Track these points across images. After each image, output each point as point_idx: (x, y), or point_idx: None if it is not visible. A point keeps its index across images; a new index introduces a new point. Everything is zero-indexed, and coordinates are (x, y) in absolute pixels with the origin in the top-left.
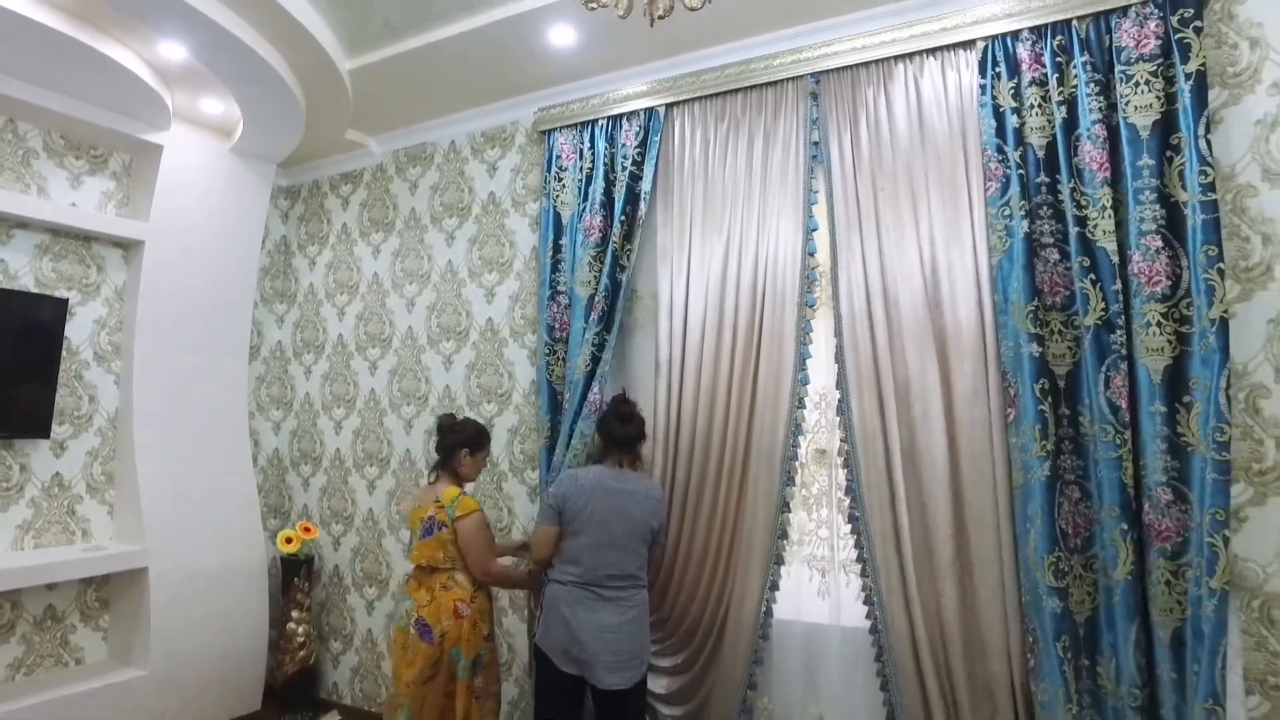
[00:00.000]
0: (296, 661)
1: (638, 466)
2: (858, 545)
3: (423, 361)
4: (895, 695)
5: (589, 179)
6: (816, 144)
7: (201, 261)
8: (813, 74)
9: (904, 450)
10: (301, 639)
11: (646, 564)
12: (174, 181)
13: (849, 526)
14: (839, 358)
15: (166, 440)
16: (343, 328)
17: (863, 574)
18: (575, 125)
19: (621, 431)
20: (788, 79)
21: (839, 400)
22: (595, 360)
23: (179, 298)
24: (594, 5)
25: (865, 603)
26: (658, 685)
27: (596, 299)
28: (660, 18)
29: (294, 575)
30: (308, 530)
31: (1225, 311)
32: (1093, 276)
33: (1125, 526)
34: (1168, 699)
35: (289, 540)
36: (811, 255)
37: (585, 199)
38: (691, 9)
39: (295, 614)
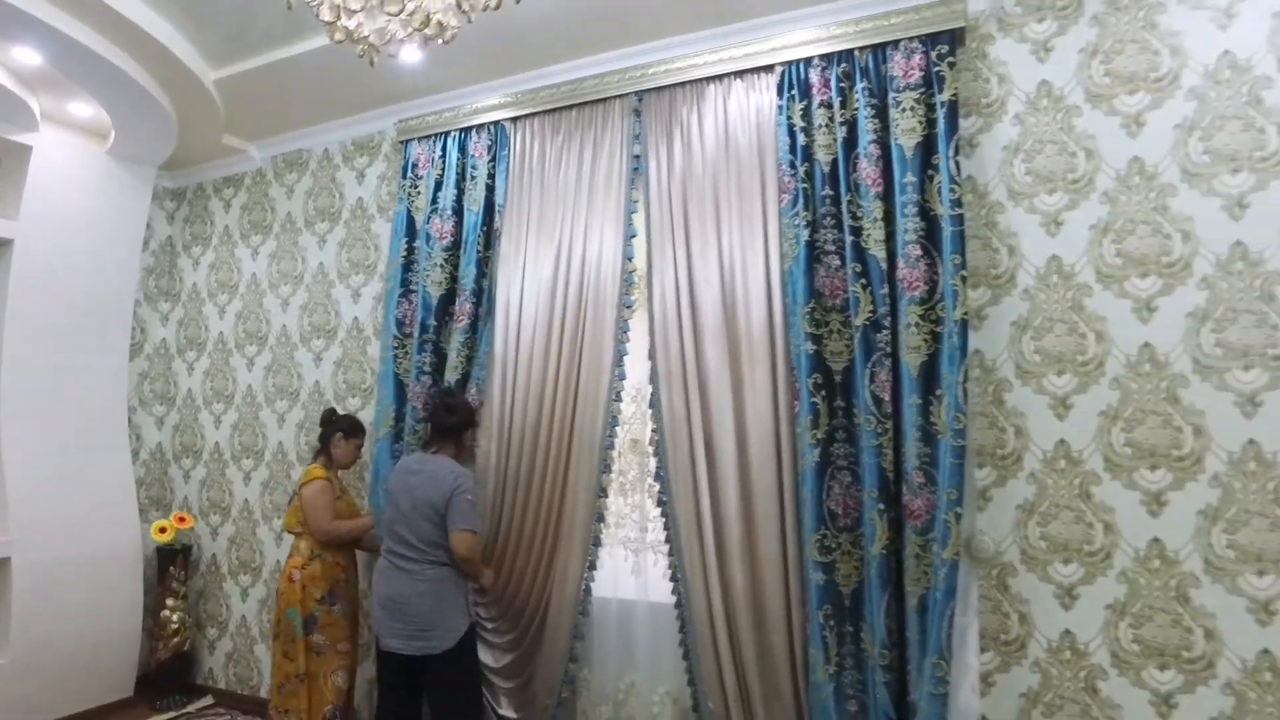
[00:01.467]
0: (170, 648)
1: (464, 454)
2: (665, 528)
3: (295, 358)
4: (695, 664)
5: (439, 185)
6: (638, 157)
7: (77, 260)
8: (636, 93)
9: (705, 441)
10: (176, 626)
11: (441, 543)
12: (45, 182)
13: (658, 510)
14: (652, 355)
15: (38, 434)
16: (223, 326)
17: (669, 554)
18: (431, 136)
19: (446, 421)
20: (615, 97)
21: (651, 394)
22: (468, 360)
23: (52, 296)
24: (339, 39)
25: (671, 580)
26: (491, 659)
27: (464, 303)
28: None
29: (170, 564)
30: (182, 520)
31: (965, 314)
32: (864, 281)
33: (883, 507)
34: (913, 657)
35: (163, 530)
36: (630, 260)
37: (435, 204)
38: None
39: (170, 602)
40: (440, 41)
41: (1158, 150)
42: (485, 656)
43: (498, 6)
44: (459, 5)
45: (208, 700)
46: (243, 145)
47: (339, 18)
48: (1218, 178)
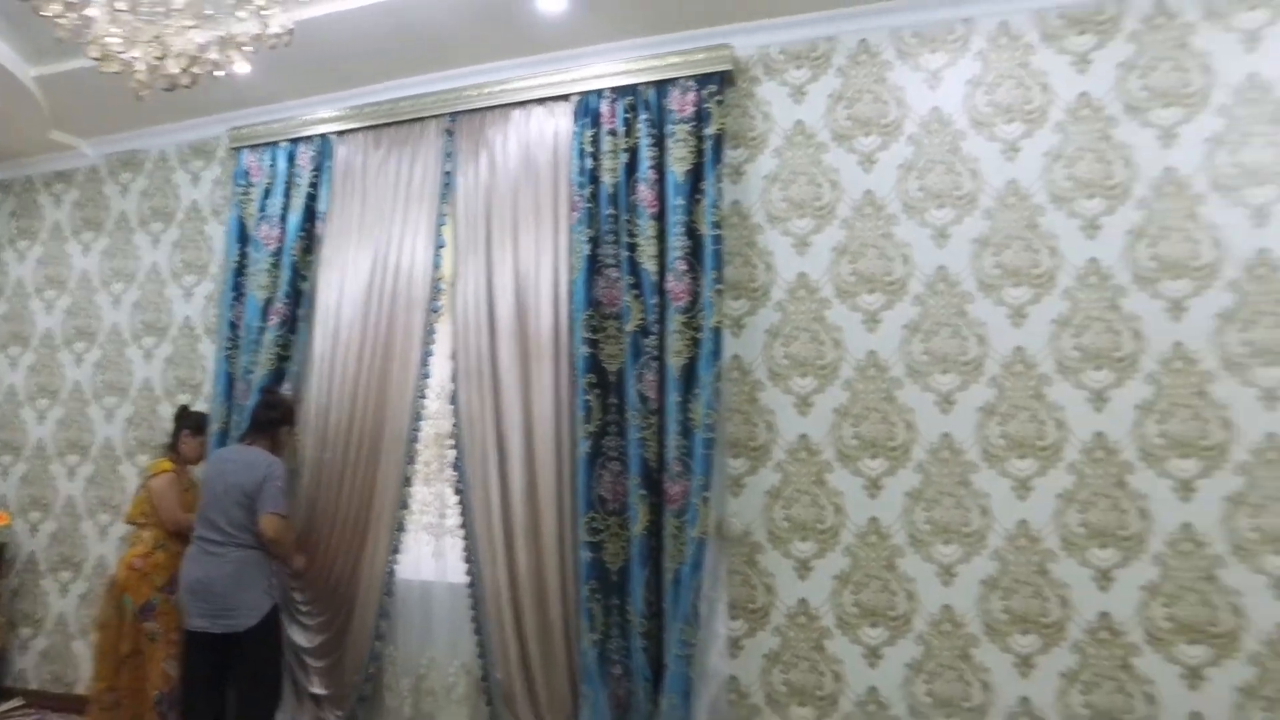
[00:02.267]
0: None
1: (279, 449)
2: (461, 513)
3: (125, 355)
4: (485, 638)
5: (268, 193)
6: (449, 174)
7: None
8: (450, 114)
9: (497, 433)
10: None
11: (249, 526)
12: None
13: (456, 498)
14: (454, 355)
15: None
16: (51, 321)
17: (465, 538)
18: (261, 145)
19: (264, 416)
20: (430, 117)
21: (452, 391)
22: (281, 359)
23: None
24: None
25: (466, 561)
26: (305, 639)
27: (275, 303)
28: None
29: None
30: None
31: (720, 322)
32: (636, 292)
33: (644, 492)
34: (669, 625)
35: None
36: (438, 269)
37: (264, 211)
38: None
39: None
40: (214, 73)
41: (885, 185)
42: (299, 637)
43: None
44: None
45: (17, 702)
46: (73, 141)
47: (106, 55)
48: (929, 211)
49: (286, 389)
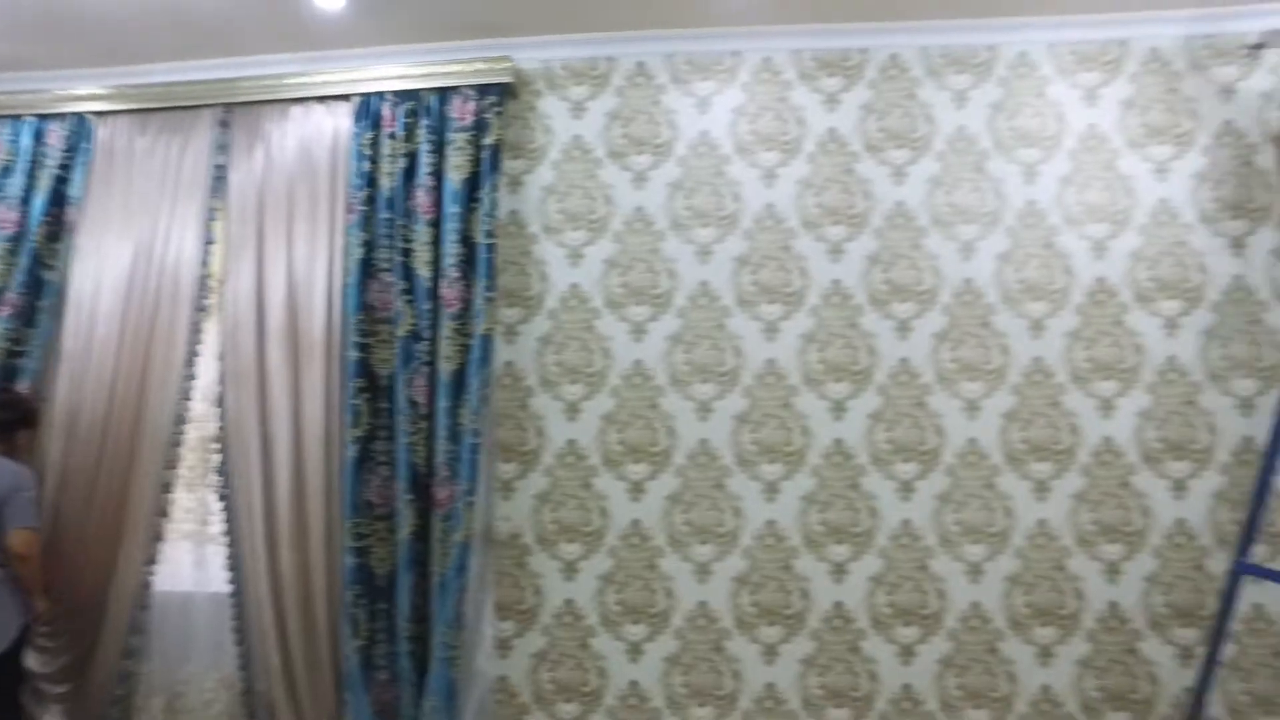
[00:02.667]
0: None
1: (16, 452)
2: (225, 520)
3: None
4: (247, 648)
5: (7, 172)
6: (222, 167)
7: None
8: (225, 104)
9: (265, 437)
10: None
11: None
12: None
13: (220, 504)
14: (221, 356)
15: None
16: None
17: (228, 544)
18: (2, 117)
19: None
20: (204, 105)
21: (219, 393)
22: (11, 354)
23: None
24: None
25: (229, 570)
26: (40, 665)
27: (8, 293)
28: None
29: None
30: None
31: (490, 329)
32: (409, 297)
33: (411, 497)
34: (436, 628)
35: None
36: (207, 265)
37: (2, 192)
38: None
39: None
40: None
41: (655, 202)
42: (34, 662)
43: None
44: None
45: None
46: None
47: None
48: (694, 229)
49: (24, 387)
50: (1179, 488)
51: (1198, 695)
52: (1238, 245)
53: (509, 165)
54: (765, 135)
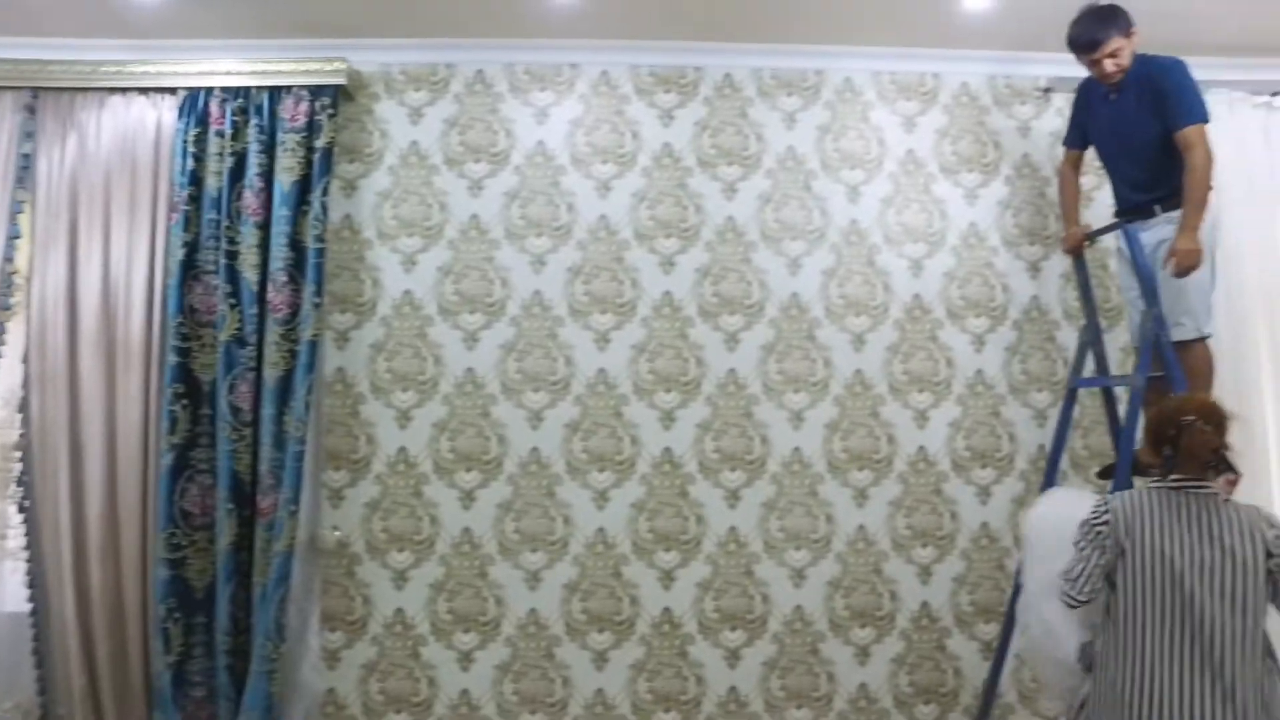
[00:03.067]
0: None
1: None
2: (26, 534)
3: None
4: (48, 671)
5: None
6: (29, 155)
7: None
8: (33, 88)
9: (74, 445)
10: None
11: None
12: None
13: (20, 517)
14: (26, 359)
15: None
16: None
17: (29, 560)
18: None
19: None
20: (9, 87)
21: (22, 398)
22: None
23: None
24: None
25: (29, 587)
26: None
27: None
28: None
29: None
30: None
31: (316, 335)
32: (233, 301)
33: (232, 506)
34: (256, 639)
35: None
36: (11, 261)
37: None
38: None
39: None
40: None
41: (491, 211)
42: None
43: None
44: None
45: None
46: None
47: None
48: (529, 238)
49: None
50: (984, 493)
51: (991, 680)
52: (1034, 269)
53: (344, 169)
54: (601, 147)
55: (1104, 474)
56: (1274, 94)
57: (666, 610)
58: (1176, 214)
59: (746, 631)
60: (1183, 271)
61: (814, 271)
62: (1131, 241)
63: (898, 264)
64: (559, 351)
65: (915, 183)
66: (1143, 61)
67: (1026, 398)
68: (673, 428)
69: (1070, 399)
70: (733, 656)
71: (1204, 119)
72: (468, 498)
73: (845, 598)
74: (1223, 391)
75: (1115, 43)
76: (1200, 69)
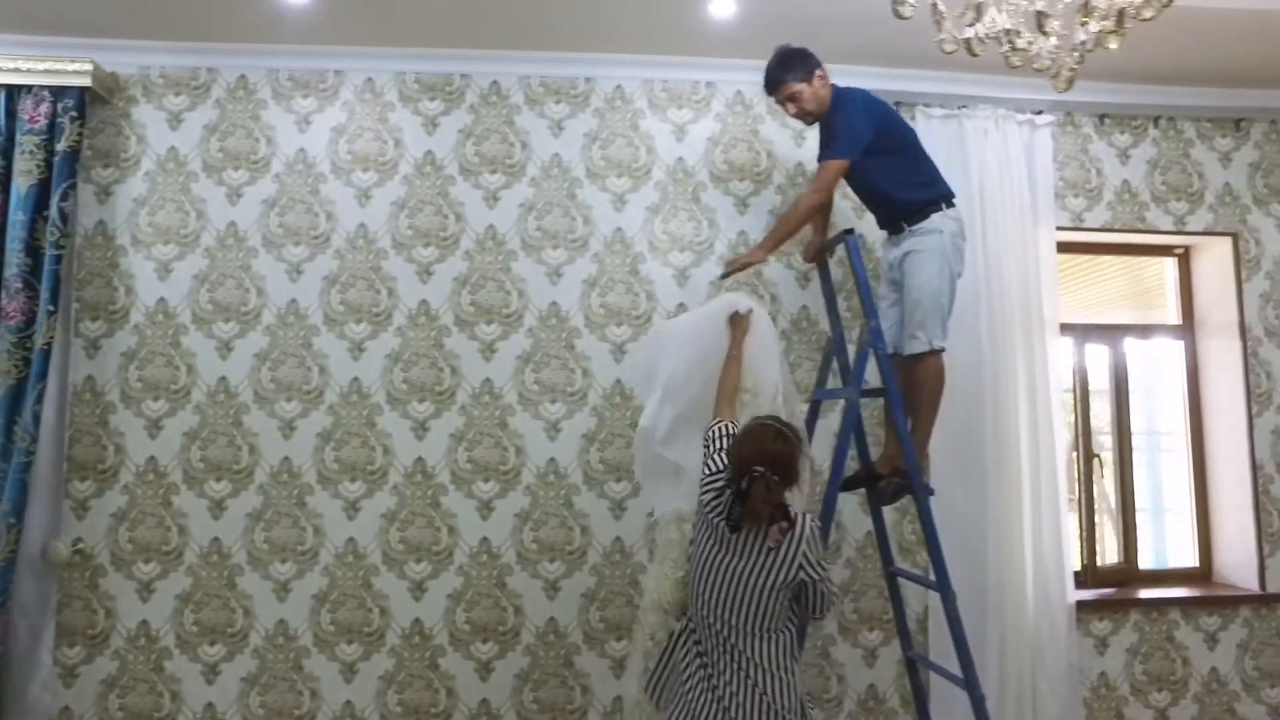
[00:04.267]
0: None
1: None
2: None
3: None
4: None
5: None
6: None
7: None
8: None
9: None
10: None
11: None
12: None
13: None
14: None
15: None
16: None
17: None
18: None
19: None
20: None
21: None
22: None
23: None
24: None
25: None
26: None
27: None
28: None
29: None
30: None
31: (48, 342)
32: None
33: None
34: None
35: None
36: None
37: None
38: None
39: None
40: None
41: (249, 218)
42: None
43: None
44: None
45: None
46: None
47: None
48: (286, 246)
49: None
50: (618, 507)
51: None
52: (805, 278)
53: (99, 174)
54: (362, 155)
55: (846, 487)
56: (1037, 112)
57: (417, 622)
58: (920, 227)
59: (499, 644)
60: (727, 268)
61: (575, 280)
62: (853, 253)
63: (662, 273)
64: (313, 360)
65: (684, 191)
66: (833, 93)
67: (794, 406)
68: (426, 438)
69: (814, 411)
70: (484, 669)
71: (840, 155)
72: (218, 508)
73: (601, 610)
74: (980, 402)
75: (791, 88)
76: (966, 85)
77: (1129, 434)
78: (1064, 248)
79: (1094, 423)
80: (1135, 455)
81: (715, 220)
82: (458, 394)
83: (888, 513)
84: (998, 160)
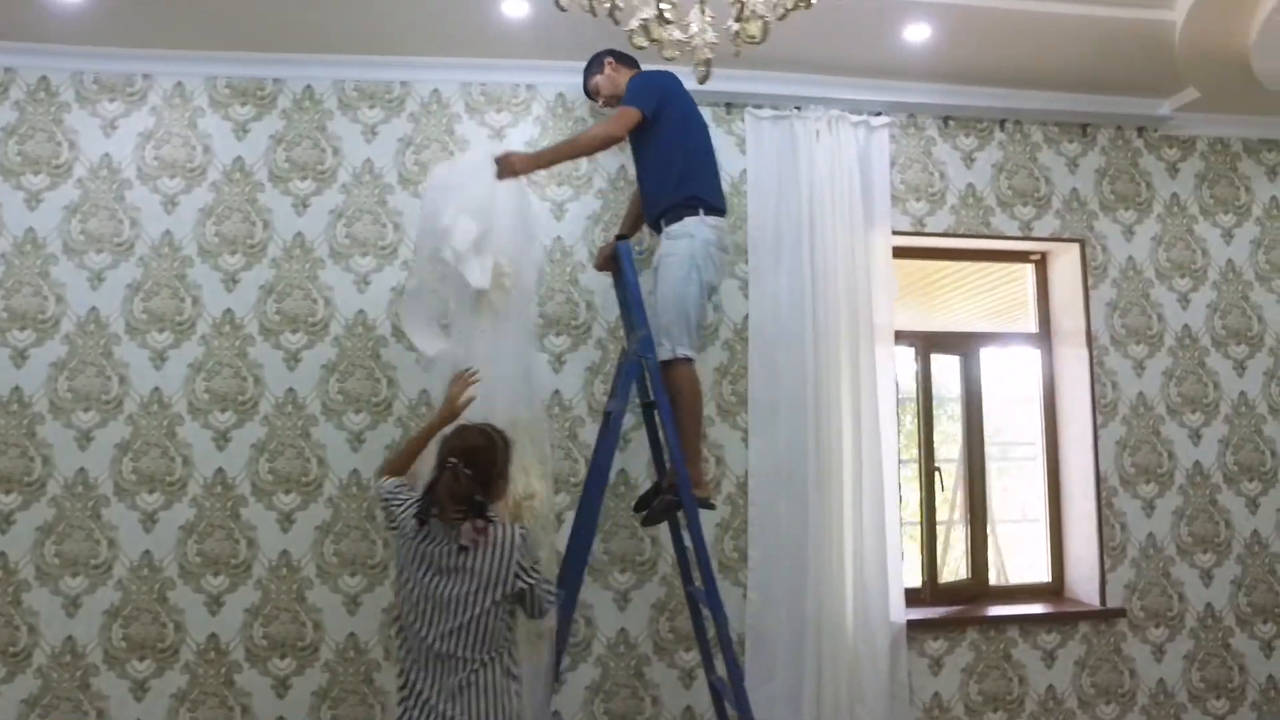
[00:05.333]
0: None
1: None
2: None
3: None
4: None
5: None
6: None
7: None
8: None
9: None
10: None
11: None
12: None
13: None
14: None
15: None
16: None
17: None
18: None
19: None
20: None
21: None
22: None
23: None
24: None
25: None
26: None
27: None
28: None
29: None
30: None
31: None
32: None
33: None
34: None
35: None
36: None
37: None
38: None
39: None
40: None
41: (49, 225)
42: None
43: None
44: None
45: None
46: None
47: None
48: (88, 253)
49: None
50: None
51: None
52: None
53: None
54: (169, 161)
55: (639, 506)
56: (875, 113)
57: (213, 637)
58: (672, 230)
59: (296, 659)
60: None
61: (383, 288)
62: (624, 259)
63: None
64: (113, 370)
65: (512, 201)
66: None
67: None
68: (226, 448)
69: (607, 422)
70: (281, 685)
71: (631, 104)
72: (150, 520)
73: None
74: (802, 413)
75: (592, 82)
76: (799, 85)
77: (980, 446)
78: (908, 253)
79: (946, 435)
80: (991, 467)
81: (543, 227)
82: (260, 404)
83: (708, 529)
84: (828, 162)
